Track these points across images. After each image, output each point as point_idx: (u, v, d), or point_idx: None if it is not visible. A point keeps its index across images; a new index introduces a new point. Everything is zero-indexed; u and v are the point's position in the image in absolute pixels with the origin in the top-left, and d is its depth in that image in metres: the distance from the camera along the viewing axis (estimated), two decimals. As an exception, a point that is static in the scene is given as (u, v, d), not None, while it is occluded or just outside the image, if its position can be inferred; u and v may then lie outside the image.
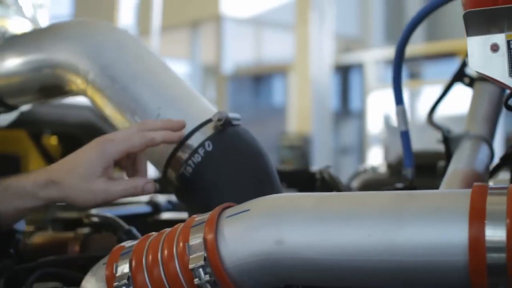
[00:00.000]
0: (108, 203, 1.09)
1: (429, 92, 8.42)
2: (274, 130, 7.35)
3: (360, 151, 8.15)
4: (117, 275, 0.93)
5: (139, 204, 1.57)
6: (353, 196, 0.88)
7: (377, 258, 0.80)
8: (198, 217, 0.92)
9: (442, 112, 1.58)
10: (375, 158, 7.53)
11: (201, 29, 8.43)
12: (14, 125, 1.88)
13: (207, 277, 0.86)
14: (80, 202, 1.06)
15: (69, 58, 1.24)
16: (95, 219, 1.32)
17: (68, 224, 1.61)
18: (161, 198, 1.58)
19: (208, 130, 1.12)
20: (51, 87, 1.29)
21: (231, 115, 1.13)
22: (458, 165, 1.25)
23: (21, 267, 1.11)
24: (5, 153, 2.27)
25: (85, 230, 1.48)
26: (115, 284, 0.92)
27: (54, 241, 1.49)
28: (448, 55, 7.51)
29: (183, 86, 1.20)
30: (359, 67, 7.70)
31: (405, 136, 1.30)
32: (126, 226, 1.26)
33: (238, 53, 8.56)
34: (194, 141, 1.12)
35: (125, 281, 0.91)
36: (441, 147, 1.39)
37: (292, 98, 7.31)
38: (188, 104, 1.16)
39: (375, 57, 7.74)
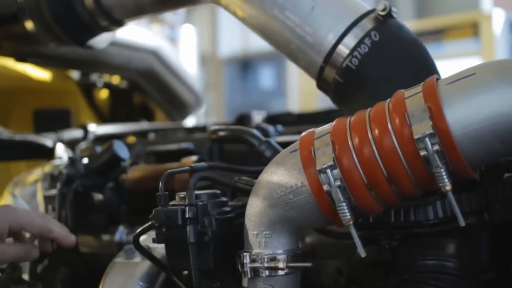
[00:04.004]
0: None
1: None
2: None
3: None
4: (317, 158, 0.84)
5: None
6: None
7: None
8: (408, 90, 0.84)
9: None
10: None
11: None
12: (81, 62, 1.78)
13: (435, 147, 0.78)
14: None
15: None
16: (226, 133, 1.22)
17: (160, 156, 1.52)
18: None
19: (369, 23, 1.04)
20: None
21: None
22: None
23: (174, 171, 1.01)
24: (56, 107, 2.16)
25: (193, 158, 1.39)
26: (318, 167, 0.83)
27: (160, 172, 1.39)
28: (437, 32, 7.47)
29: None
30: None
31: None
32: (263, 138, 1.17)
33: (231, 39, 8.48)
34: (355, 33, 1.04)
35: (330, 163, 0.83)
36: None
37: (293, 80, 7.25)
38: (342, -3, 1.08)
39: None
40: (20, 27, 1.35)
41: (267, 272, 0.89)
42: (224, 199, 1.00)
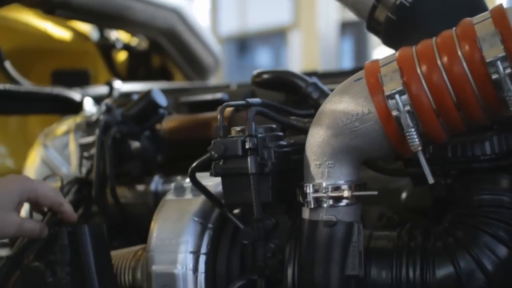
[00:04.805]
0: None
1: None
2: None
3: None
4: (385, 84, 0.84)
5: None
6: None
7: None
8: (475, 17, 0.84)
9: None
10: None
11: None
12: (106, 17, 1.76)
13: (508, 70, 0.78)
14: None
15: None
16: (270, 75, 1.22)
17: (193, 106, 1.52)
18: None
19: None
20: None
21: None
22: None
23: (231, 103, 1.00)
24: (75, 68, 2.14)
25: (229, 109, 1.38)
26: (387, 93, 0.83)
27: (197, 122, 1.39)
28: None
29: None
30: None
31: None
32: (310, 80, 1.17)
33: (229, 19, 8.43)
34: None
35: (399, 88, 0.83)
36: None
37: (294, 58, 7.24)
38: None
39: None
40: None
41: (330, 202, 0.89)
42: (280, 133, 1.00)
